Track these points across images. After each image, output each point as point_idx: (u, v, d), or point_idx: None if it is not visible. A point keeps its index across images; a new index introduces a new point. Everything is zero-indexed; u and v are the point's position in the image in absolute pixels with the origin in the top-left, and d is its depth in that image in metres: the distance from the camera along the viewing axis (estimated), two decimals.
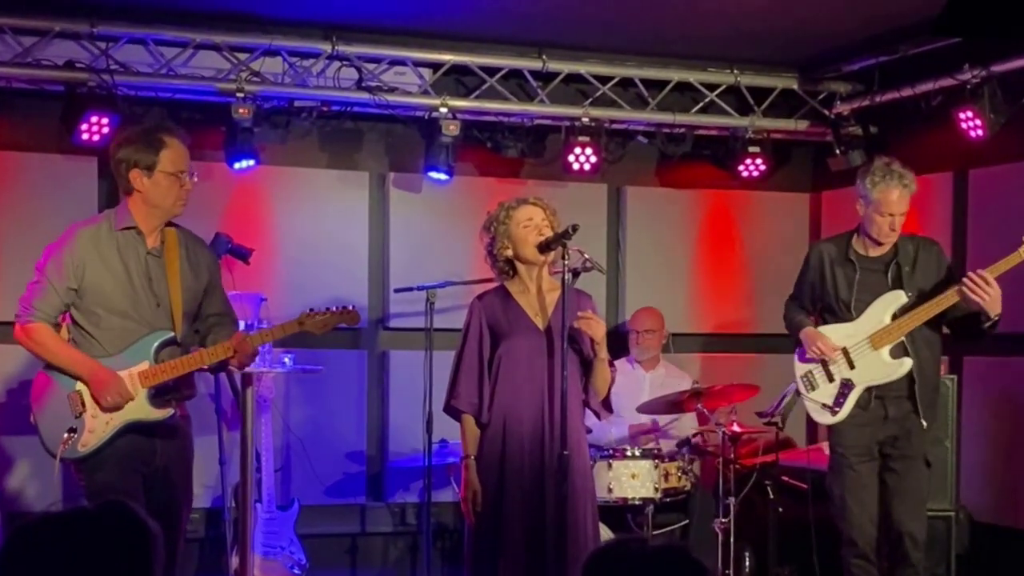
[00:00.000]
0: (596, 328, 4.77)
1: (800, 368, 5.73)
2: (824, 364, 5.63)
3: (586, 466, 4.95)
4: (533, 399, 4.81)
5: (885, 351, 5.49)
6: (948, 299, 5.37)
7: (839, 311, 5.63)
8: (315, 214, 7.53)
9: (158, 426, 4.72)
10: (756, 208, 8.35)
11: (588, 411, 5.02)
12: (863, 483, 5.58)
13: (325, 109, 7.36)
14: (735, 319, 8.33)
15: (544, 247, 4.83)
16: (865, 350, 5.52)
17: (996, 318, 5.34)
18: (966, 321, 5.45)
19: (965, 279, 5.29)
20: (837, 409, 5.57)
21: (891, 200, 5.44)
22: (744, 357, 8.27)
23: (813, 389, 5.66)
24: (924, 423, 5.49)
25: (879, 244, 5.55)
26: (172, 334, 4.73)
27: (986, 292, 5.23)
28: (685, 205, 8.27)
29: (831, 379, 5.61)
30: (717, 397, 6.77)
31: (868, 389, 5.54)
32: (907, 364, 5.46)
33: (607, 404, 5.01)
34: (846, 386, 5.56)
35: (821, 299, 5.73)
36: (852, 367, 5.56)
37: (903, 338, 5.48)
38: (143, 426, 4.69)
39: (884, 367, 5.50)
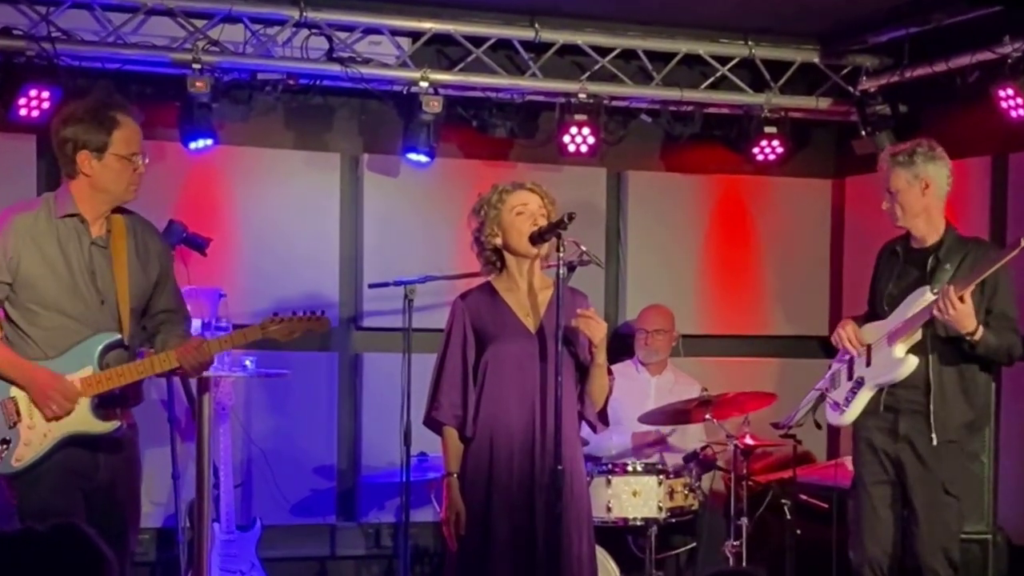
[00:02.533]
0: (596, 329, 4.75)
1: (834, 366, 5.82)
2: (851, 362, 5.70)
3: (582, 483, 4.94)
4: (523, 410, 4.79)
5: (899, 347, 5.50)
6: (924, 312, 5.41)
7: (878, 307, 5.68)
8: (280, 200, 7.50)
9: (101, 438, 4.68)
10: (772, 195, 8.34)
11: (582, 424, 5.00)
12: (875, 508, 5.58)
13: (291, 83, 7.33)
14: (748, 319, 8.32)
15: (537, 238, 4.80)
16: (882, 346, 5.56)
17: (977, 338, 5.35)
18: (957, 341, 5.45)
19: (940, 292, 5.32)
20: (845, 408, 5.63)
21: (886, 178, 5.55)
22: (758, 362, 8.26)
23: (835, 388, 5.75)
24: (935, 439, 5.45)
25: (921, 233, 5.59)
26: (118, 336, 4.69)
27: (948, 307, 5.25)
28: (693, 192, 8.25)
29: (850, 377, 5.66)
30: (728, 406, 6.75)
31: (879, 392, 5.56)
32: (912, 362, 5.47)
33: (604, 415, 4.99)
34: (858, 384, 5.61)
35: (872, 299, 5.80)
36: (869, 364, 5.60)
37: (923, 337, 5.48)
38: (85, 439, 4.65)
39: (889, 363, 5.51)
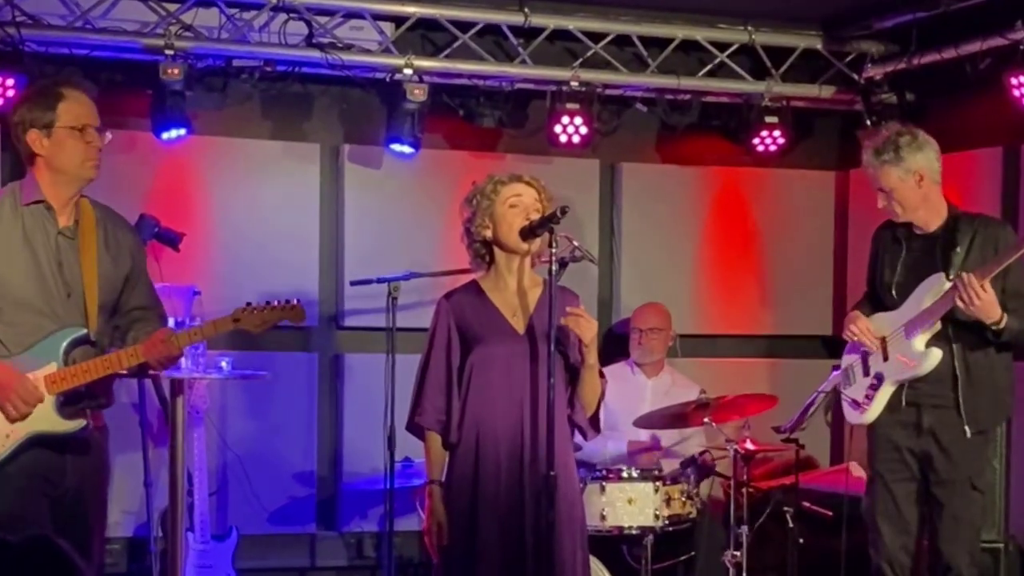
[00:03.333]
0: (586, 327, 4.73)
1: (845, 361, 5.81)
2: (865, 357, 5.69)
3: (574, 490, 4.92)
4: (511, 414, 4.77)
5: (918, 340, 5.50)
6: (945, 302, 5.40)
7: (886, 297, 5.66)
8: (257, 193, 7.49)
9: (68, 440, 4.66)
10: (773, 188, 8.35)
11: (573, 430, 4.98)
12: (897, 505, 5.59)
13: (269, 70, 7.32)
14: (748, 318, 8.33)
15: (528, 232, 4.78)
16: (899, 339, 5.55)
17: (1002, 326, 5.35)
18: (980, 327, 5.45)
19: (956, 279, 5.31)
20: (865, 406, 5.62)
21: (872, 175, 5.57)
22: (759, 363, 8.27)
23: (850, 385, 5.74)
24: (968, 431, 5.47)
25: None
26: (84, 331, 4.66)
27: (972, 298, 5.25)
28: (690, 185, 8.25)
29: (866, 373, 5.65)
30: (727, 409, 6.74)
31: (900, 388, 5.55)
32: (935, 356, 5.46)
33: (596, 421, 4.97)
34: (877, 380, 5.60)
35: (874, 287, 5.79)
36: (886, 359, 5.59)
37: (943, 327, 5.48)
38: (50, 439, 4.62)
39: (911, 358, 5.51)
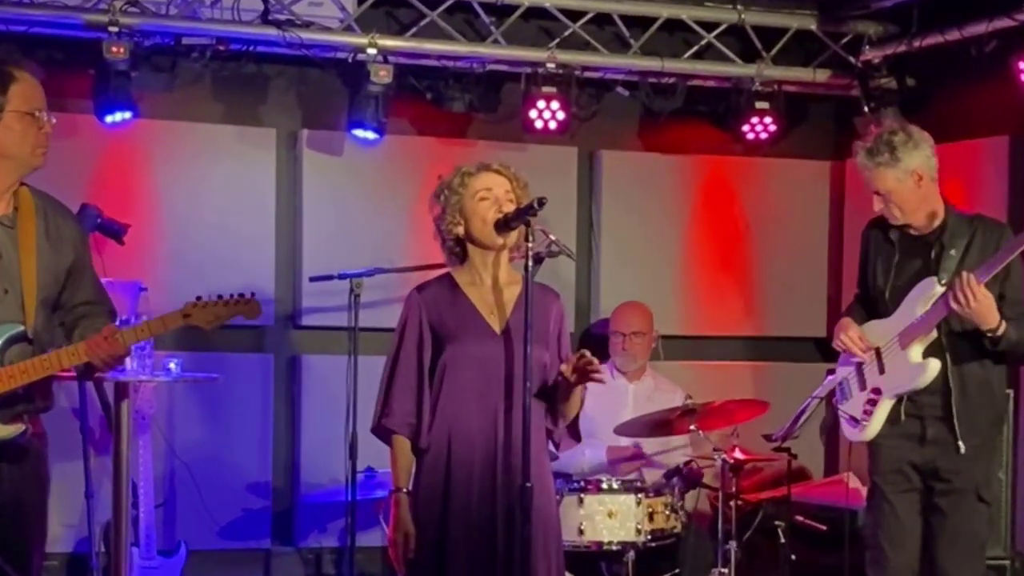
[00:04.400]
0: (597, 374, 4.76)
1: (840, 373, 5.80)
2: (860, 369, 5.68)
3: (551, 502, 4.91)
4: (485, 419, 4.76)
5: (914, 350, 5.51)
6: (940, 308, 5.41)
7: (878, 303, 5.67)
8: (208, 181, 7.47)
9: (5, 447, 4.63)
10: (764, 179, 8.36)
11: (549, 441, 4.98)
12: (899, 518, 5.59)
13: (221, 49, 7.30)
14: (737, 319, 8.34)
15: (502, 226, 4.77)
16: (894, 350, 5.56)
17: (1000, 333, 5.36)
18: (975, 335, 5.46)
19: (955, 282, 5.32)
20: (864, 422, 5.62)
21: (867, 178, 5.56)
22: (748, 366, 8.29)
23: (846, 399, 5.73)
24: (962, 446, 5.48)
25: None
26: (22, 328, 4.63)
27: (969, 299, 5.27)
28: (675, 175, 8.26)
29: (863, 386, 5.64)
30: (715, 416, 6.75)
31: (899, 400, 5.56)
32: (934, 367, 5.47)
33: (575, 429, 4.97)
34: (874, 394, 5.59)
35: (866, 291, 5.78)
36: (882, 371, 5.59)
37: (938, 335, 5.49)
38: None
39: (908, 370, 5.51)
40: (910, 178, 5.49)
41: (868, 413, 5.62)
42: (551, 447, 5.09)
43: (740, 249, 8.35)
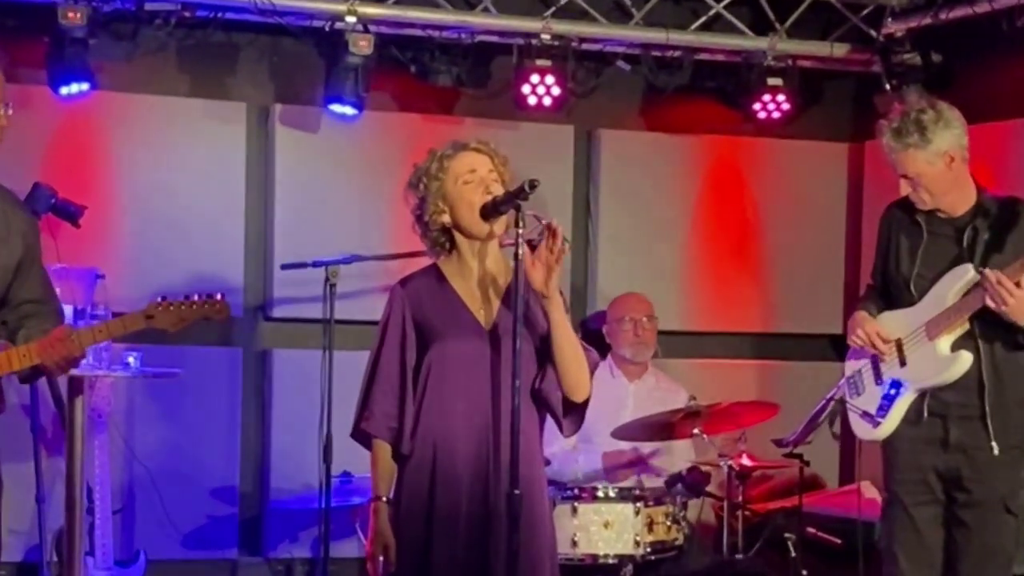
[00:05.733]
0: (534, 272, 4.65)
1: (849, 368, 5.78)
2: (876, 362, 5.67)
3: (544, 511, 4.91)
4: (473, 422, 4.76)
5: (943, 342, 5.50)
6: (975, 299, 5.41)
7: (900, 291, 5.66)
8: (172, 160, 7.47)
9: None
10: (777, 161, 8.37)
11: (543, 430, 4.93)
12: (919, 531, 5.59)
13: (187, 15, 7.30)
14: (745, 313, 8.35)
15: (490, 211, 4.76)
16: (920, 341, 5.55)
17: None
18: (1012, 327, 5.47)
19: (983, 278, 5.33)
20: (880, 419, 5.60)
21: (895, 160, 5.55)
22: (757, 365, 8.31)
23: (858, 394, 5.71)
24: (995, 447, 5.49)
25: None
26: None
27: (1005, 297, 5.28)
28: (680, 156, 8.27)
29: (879, 380, 5.64)
30: (721, 419, 6.77)
31: (922, 396, 5.56)
32: (965, 360, 5.47)
33: (578, 410, 4.90)
34: (893, 388, 5.59)
35: (886, 279, 5.78)
36: (903, 364, 5.59)
37: (970, 327, 5.49)
38: None
39: (936, 362, 5.51)
40: (941, 160, 5.49)
41: (884, 409, 5.61)
42: (548, 449, 5.07)
43: (750, 238, 8.36)
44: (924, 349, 5.54)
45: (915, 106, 5.63)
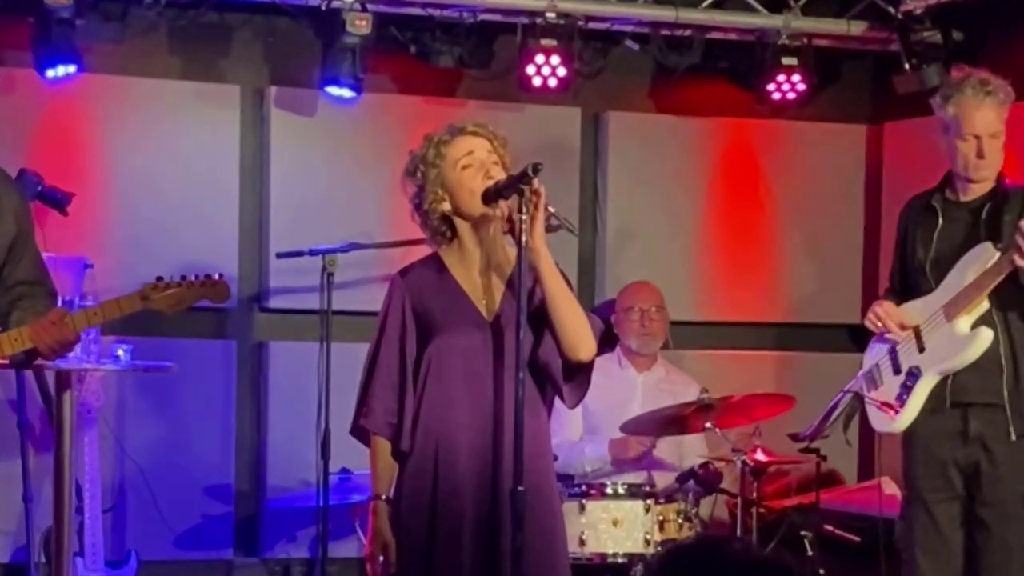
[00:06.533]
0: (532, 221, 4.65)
1: (867, 362, 5.80)
2: (894, 353, 5.68)
3: (553, 509, 4.90)
4: (476, 417, 4.76)
5: (963, 321, 5.51)
6: (995, 272, 5.42)
7: (917, 280, 5.66)
8: (163, 145, 7.47)
9: None
10: (792, 144, 8.37)
11: (544, 404, 4.91)
12: (940, 532, 5.60)
13: None
14: (760, 303, 8.35)
15: (492, 195, 4.76)
16: (938, 324, 5.56)
17: None
18: None
19: (1016, 231, 5.32)
20: (899, 408, 5.61)
21: (971, 116, 5.52)
22: (772, 356, 8.31)
23: (876, 387, 5.72)
24: (1013, 433, 5.49)
25: (970, 182, 5.59)
26: None
27: None
28: (691, 139, 8.27)
29: (897, 370, 5.64)
30: (734, 412, 6.76)
31: (943, 382, 5.55)
32: (986, 337, 5.47)
33: (581, 375, 4.87)
34: (911, 376, 5.58)
35: (903, 271, 5.78)
36: (922, 350, 5.59)
37: (989, 306, 5.49)
38: None
39: (955, 342, 5.51)
40: (1003, 125, 5.53)
41: (903, 399, 5.60)
42: (560, 429, 5.04)
43: (763, 224, 8.35)
44: (942, 331, 5.55)
45: (963, 70, 5.66)
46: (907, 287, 5.76)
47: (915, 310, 5.65)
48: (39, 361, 4.89)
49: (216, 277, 4.89)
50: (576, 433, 7.18)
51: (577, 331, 4.75)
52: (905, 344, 5.65)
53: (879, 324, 5.69)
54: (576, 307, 4.78)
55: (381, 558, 4.79)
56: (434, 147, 4.85)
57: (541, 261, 4.66)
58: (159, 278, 4.86)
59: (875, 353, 5.79)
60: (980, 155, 5.52)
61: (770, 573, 2.81)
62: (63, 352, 4.79)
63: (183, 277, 4.86)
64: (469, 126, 4.90)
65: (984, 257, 5.47)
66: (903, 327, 5.63)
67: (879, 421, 5.73)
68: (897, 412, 5.61)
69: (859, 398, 5.85)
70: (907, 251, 5.76)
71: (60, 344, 4.72)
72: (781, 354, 8.31)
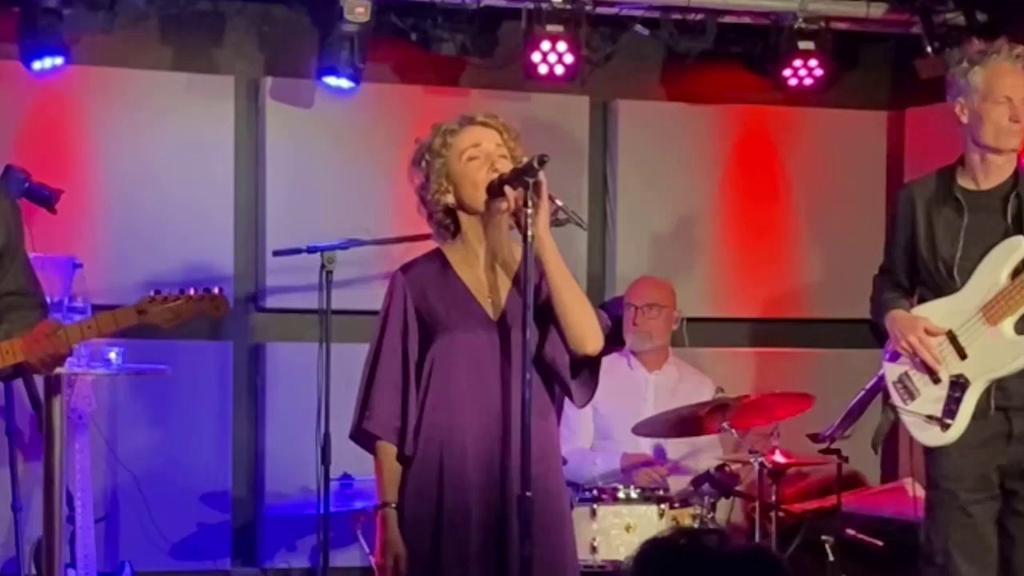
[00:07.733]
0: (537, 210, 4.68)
1: (892, 372, 5.70)
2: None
3: (562, 513, 4.91)
4: (482, 420, 4.76)
5: (1007, 325, 5.49)
6: None
7: (939, 278, 5.61)
8: (155, 139, 7.49)
9: None
10: (810, 132, 8.38)
11: (552, 405, 4.93)
12: (979, 533, 5.59)
13: None
14: (778, 298, 8.37)
15: (496, 188, 4.77)
16: (978, 328, 5.51)
17: None
18: None
19: None
20: (949, 421, 5.55)
21: (1004, 79, 5.52)
22: (791, 354, 8.32)
23: (912, 398, 5.64)
24: None
25: (998, 153, 5.56)
26: None
27: None
28: (704, 127, 8.28)
29: (936, 379, 5.60)
30: (751, 412, 6.79)
31: (988, 389, 5.54)
32: None
33: (589, 371, 4.90)
34: (957, 386, 5.54)
35: (914, 265, 5.73)
36: (963, 356, 5.56)
37: None
38: None
39: (1008, 348, 5.48)
40: None
41: (953, 411, 5.55)
42: (576, 433, 5.05)
43: (781, 215, 8.36)
44: (986, 336, 5.50)
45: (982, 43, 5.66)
46: (926, 284, 5.71)
47: (940, 312, 5.59)
48: (32, 374, 4.91)
49: (216, 291, 4.90)
50: (587, 440, 7.19)
51: (583, 323, 4.77)
52: (940, 351, 5.60)
53: (910, 351, 5.63)
54: (582, 298, 4.80)
55: (393, 567, 4.81)
56: (441, 136, 4.86)
57: (546, 250, 4.67)
58: (157, 291, 4.87)
59: (899, 363, 5.73)
60: (1016, 119, 5.51)
61: (749, 564, 2.84)
62: (55, 365, 4.81)
63: (181, 291, 4.88)
64: (479, 116, 4.90)
65: (1016, 252, 5.47)
66: (930, 332, 5.58)
67: (928, 435, 5.62)
68: (948, 425, 5.55)
69: (893, 409, 5.78)
70: (920, 244, 5.70)
71: (52, 357, 4.73)
72: (799, 351, 8.31)
